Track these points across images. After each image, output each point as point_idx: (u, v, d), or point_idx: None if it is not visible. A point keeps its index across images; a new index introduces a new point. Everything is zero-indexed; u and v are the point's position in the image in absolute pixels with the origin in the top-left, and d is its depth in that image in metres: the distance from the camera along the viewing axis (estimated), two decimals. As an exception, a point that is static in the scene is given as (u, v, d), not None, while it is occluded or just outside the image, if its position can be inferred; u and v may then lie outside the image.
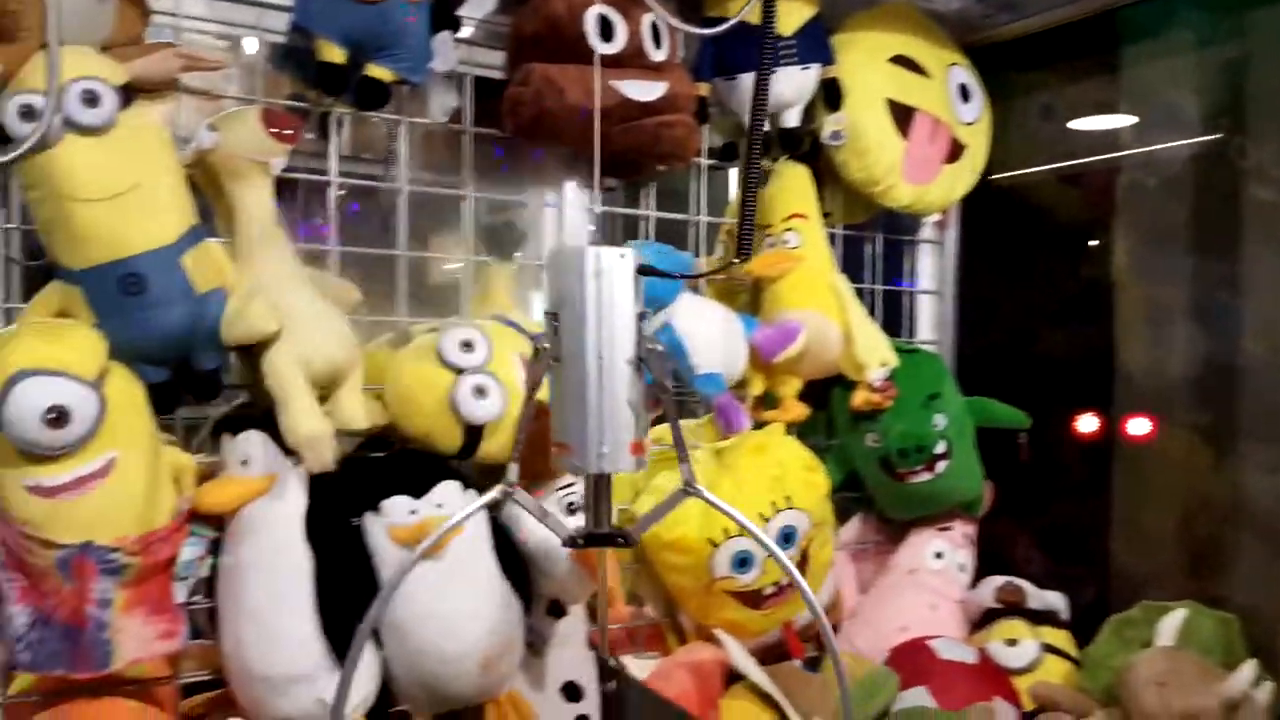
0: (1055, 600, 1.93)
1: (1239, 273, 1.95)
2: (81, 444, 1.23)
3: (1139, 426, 2.13)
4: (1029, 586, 1.92)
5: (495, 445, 1.51)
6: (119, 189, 1.27)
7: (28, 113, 1.21)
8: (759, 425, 1.92)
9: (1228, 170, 1.95)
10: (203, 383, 1.39)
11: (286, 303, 1.39)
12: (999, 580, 1.94)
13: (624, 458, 1.04)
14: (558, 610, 1.61)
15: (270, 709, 1.36)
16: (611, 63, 1.62)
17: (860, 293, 2.03)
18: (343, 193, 1.64)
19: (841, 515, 2.13)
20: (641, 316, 1.03)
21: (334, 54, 1.44)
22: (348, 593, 1.40)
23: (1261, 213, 1.91)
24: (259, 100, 1.50)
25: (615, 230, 2.24)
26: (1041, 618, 1.90)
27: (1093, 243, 2.26)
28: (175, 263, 1.32)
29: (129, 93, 1.30)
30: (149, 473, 1.32)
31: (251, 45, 1.54)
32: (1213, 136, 1.99)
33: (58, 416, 1.19)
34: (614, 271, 1.01)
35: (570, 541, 1.09)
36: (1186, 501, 2.08)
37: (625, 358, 1.01)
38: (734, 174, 2.11)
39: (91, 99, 1.24)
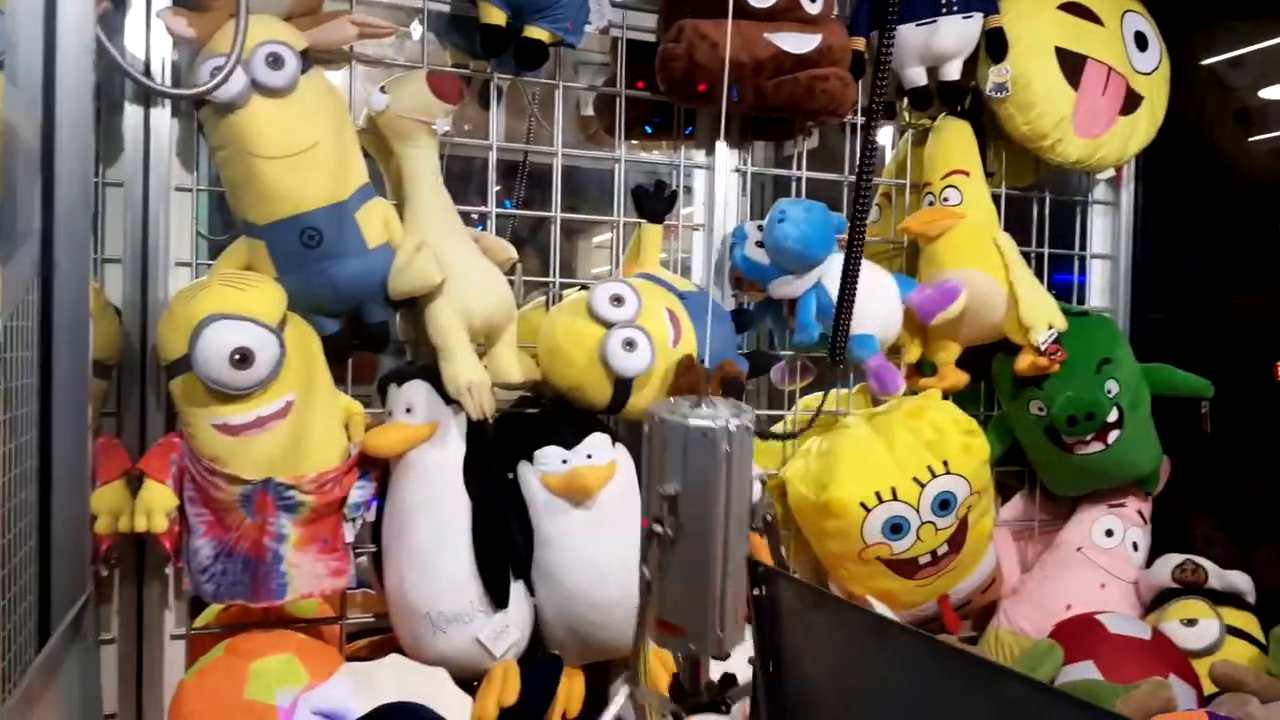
0: (1239, 581, 1.80)
1: None
2: (263, 385, 1.31)
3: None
4: (1210, 565, 1.79)
5: (644, 398, 1.52)
6: (299, 147, 1.35)
7: (218, 73, 1.30)
8: (914, 393, 1.86)
9: None
10: (372, 334, 1.47)
11: (449, 259, 1.45)
12: (1177, 558, 1.82)
13: (736, 634, 0.90)
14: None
15: (429, 646, 1.42)
16: (765, 16, 1.61)
17: (1026, 257, 1.94)
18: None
19: (1003, 493, 2.05)
20: (761, 482, 0.93)
21: (495, 15, 1.48)
22: (504, 536, 1.44)
23: None
24: (424, 61, 1.55)
25: (764, 191, 2.22)
26: (1224, 599, 1.78)
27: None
28: (349, 218, 1.39)
29: (308, 58, 1.38)
30: (323, 416, 1.40)
31: (417, 24, 1.60)
32: None
33: (243, 358, 1.28)
34: (741, 444, 0.89)
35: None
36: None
37: (746, 527, 0.91)
38: (889, 133, 2.05)
39: (276, 61, 1.32)
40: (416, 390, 1.45)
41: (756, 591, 0.79)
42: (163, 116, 1.42)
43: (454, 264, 1.45)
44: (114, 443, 1.37)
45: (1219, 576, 1.78)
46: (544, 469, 1.47)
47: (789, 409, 1.91)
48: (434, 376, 1.45)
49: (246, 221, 1.39)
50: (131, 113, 1.41)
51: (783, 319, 1.82)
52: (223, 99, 1.30)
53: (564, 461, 1.47)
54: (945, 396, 1.85)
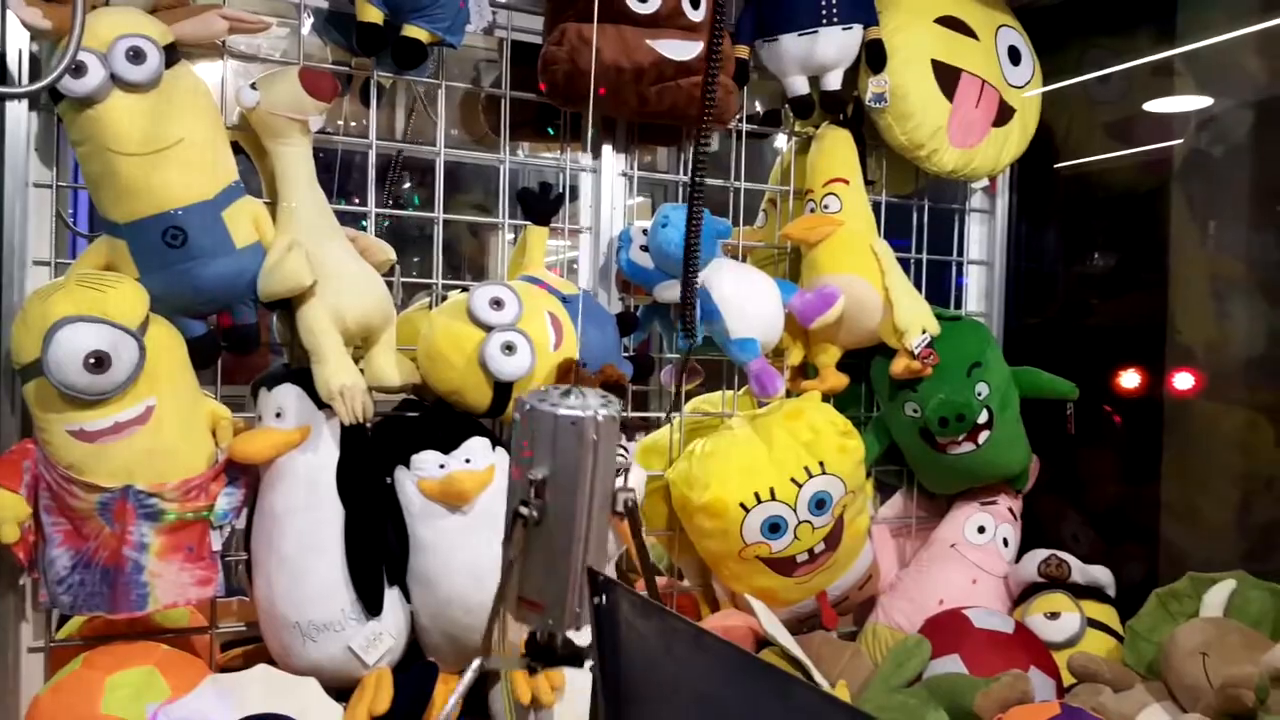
0: (1100, 575, 1.88)
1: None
2: (121, 390, 1.27)
3: (1191, 400, 2.06)
4: (1073, 560, 1.88)
5: (526, 403, 1.52)
6: (163, 144, 1.31)
7: (77, 68, 1.25)
8: (797, 395, 1.91)
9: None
10: (240, 336, 1.43)
11: (322, 259, 1.42)
12: (1043, 554, 1.90)
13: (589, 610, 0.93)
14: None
15: (299, 656, 1.40)
16: (648, 22, 1.62)
17: (905, 263, 2.00)
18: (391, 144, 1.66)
19: (883, 491, 2.11)
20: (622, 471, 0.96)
21: (372, 13, 1.46)
22: (378, 543, 1.43)
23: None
24: (300, 56, 1.52)
25: (665, 195, 2.24)
26: (1086, 592, 1.86)
27: (1150, 211, 2.19)
28: (216, 217, 1.35)
29: (174, 52, 1.34)
30: (187, 421, 1.36)
31: (294, 14, 1.57)
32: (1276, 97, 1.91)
33: (98, 361, 1.23)
34: (608, 433, 0.92)
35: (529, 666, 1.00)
36: (1240, 478, 2.01)
37: (607, 511, 0.94)
38: (780, 140, 2.09)
39: (137, 55, 1.28)
40: (287, 394, 1.42)
41: (596, 600, 0.81)
42: (19, 111, 1.37)
43: (328, 264, 1.43)
44: (-38, 450, 1.31)
45: (1082, 571, 1.86)
46: (420, 474, 1.46)
47: (678, 409, 1.93)
48: (306, 380, 1.42)
49: (108, 220, 1.34)
50: (-16, 105, 1.36)
51: (670, 322, 1.84)
52: (80, 93, 1.26)
53: (441, 466, 1.46)
54: (826, 398, 1.90)
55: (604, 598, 0.80)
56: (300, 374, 1.44)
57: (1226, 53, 2.02)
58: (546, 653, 0.96)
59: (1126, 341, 2.18)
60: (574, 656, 0.95)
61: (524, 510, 0.93)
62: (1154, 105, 2.16)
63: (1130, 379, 2.12)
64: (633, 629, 0.74)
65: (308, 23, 1.59)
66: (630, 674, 0.74)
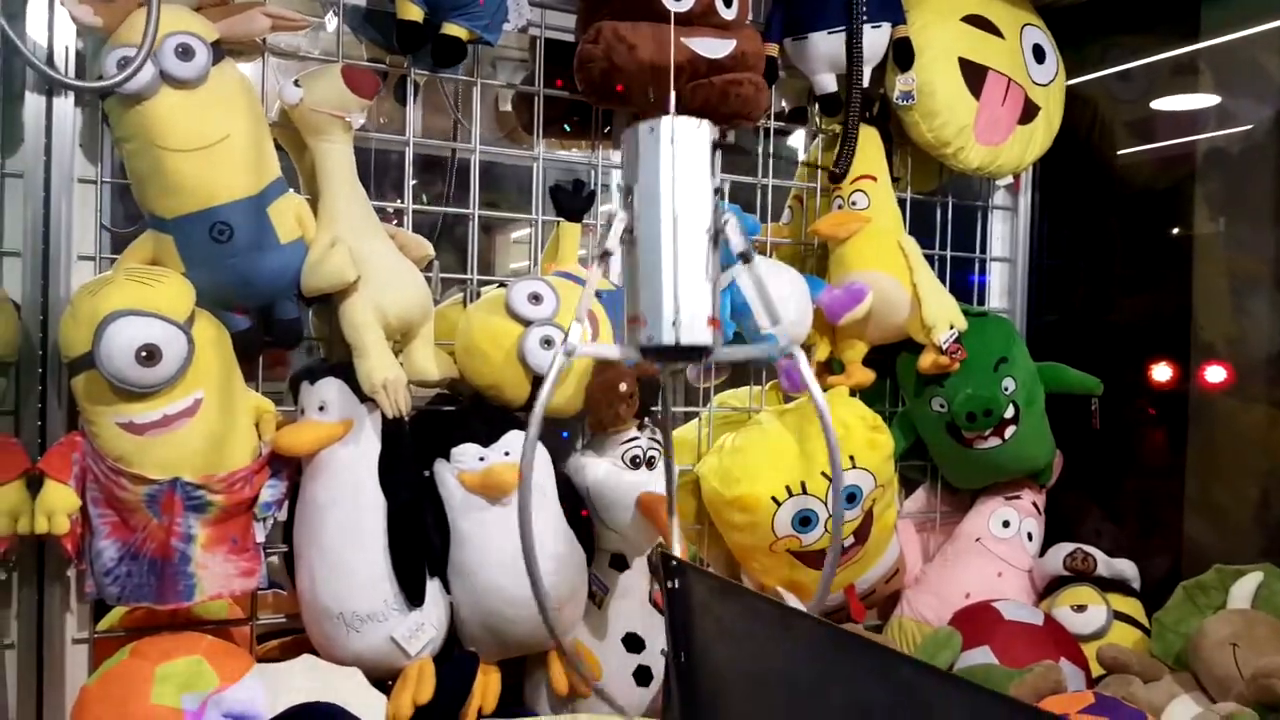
0: (1125, 568, 1.90)
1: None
2: (170, 383, 1.28)
3: (1214, 395, 2.08)
4: (1098, 554, 1.89)
5: (562, 396, 1.54)
6: (209, 140, 1.32)
7: (125, 64, 1.26)
8: (823, 390, 1.92)
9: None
10: (284, 331, 1.45)
11: (364, 255, 1.44)
12: (1068, 547, 1.91)
13: (700, 329, 0.99)
14: (620, 563, 1.63)
15: (341, 646, 1.41)
16: (682, 20, 1.63)
17: (929, 260, 2.02)
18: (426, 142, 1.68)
19: (907, 486, 2.13)
20: (717, 192, 1.00)
21: (412, 11, 1.48)
22: (419, 534, 1.45)
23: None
24: (339, 54, 1.54)
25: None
26: (1111, 585, 1.88)
27: (1172, 208, 2.21)
28: (261, 213, 1.37)
29: (219, 49, 1.35)
30: (233, 414, 1.38)
31: (332, 15, 1.58)
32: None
33: (149, 355, 1.25)
34: (690, 140, 0.97)
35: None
36: (1263, 473, 2.03)
37: (702, 228, 0.98)
38: (800, 136, 2.10)
39: (185, 52, 1.30)
40: (330, 387, 1.44)
41: (669, 584, 0.82)
42: (65, 106, 1.38)
43: (369, 260, 1.45)
44: (12, 442, 1.33)
45: (1107, 565, 1.88)
46: (460, 466, 1.47)
47: (704, 404, 1.95)
48: (348, 374, 1.44)
49: (154, 215, 1.36)
50: (33, 102, 1.37)
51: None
52: (130, 90, 1.27)
53: (481, 459, 1.47)
54: (853, 393, 1.92)
55: (676, 581, 0.81)
56: (341, 368, 1.45)
57: (1248, 50, 2.03)
58: (660, 351, 0.98)
59: (1149, 338, 2.20)
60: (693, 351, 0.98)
61: (619, 219, 0.98)
62: (1176, 103, 2.18)
63: (1153, 374, 2.13)
64: (709, 612, 0.76)
65: (334, 23, 1.60)
66: (709, 660, 0.76)
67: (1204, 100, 2.15)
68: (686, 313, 0.97)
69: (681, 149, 0.96)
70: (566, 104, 1.77)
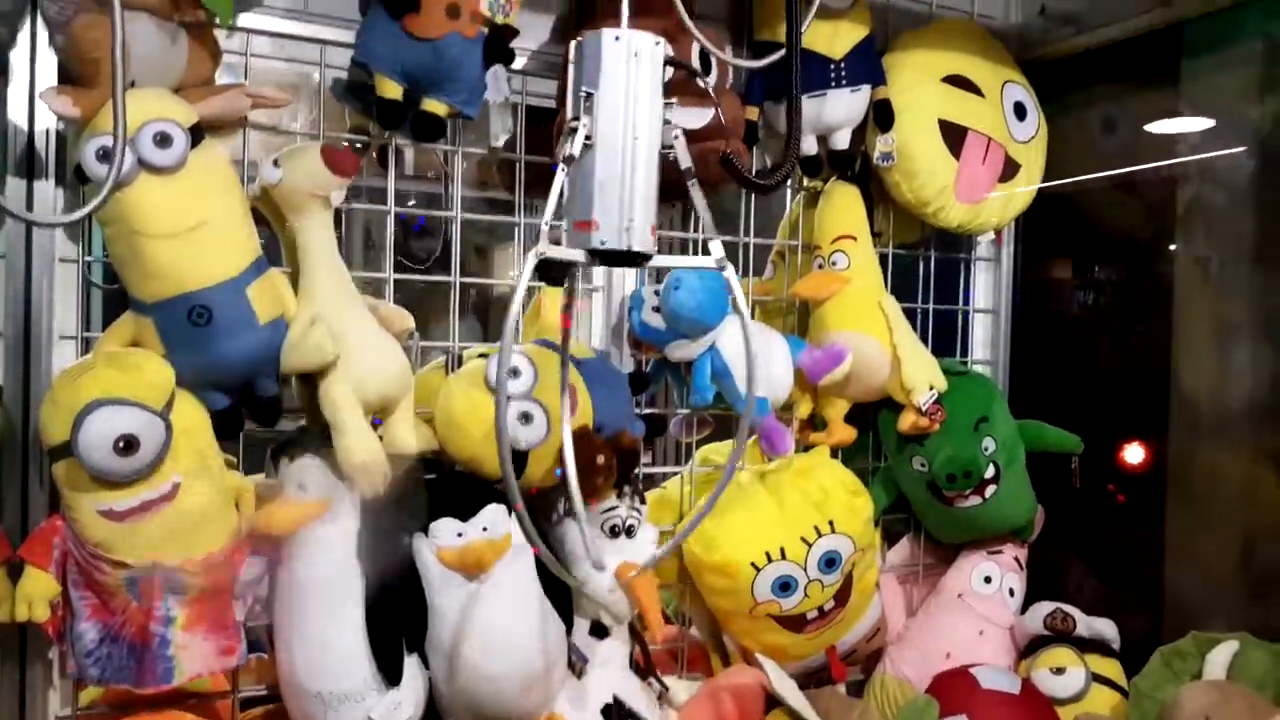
0: (1105, 628, 1.91)
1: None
2: (149, 470, 1.29)
3: (1194, 446, 2.10)
4: (1078, 614, 1.90)
5: (539, 469, 1.55)
6: (188, 225, 1.33)
7: (104, 155, 1.27)
8: (806, 447, 1.93)
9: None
10: (264, 408, 1.46)
11: (344, 331, 1.44)
12: (1048, 607, 1.92)
13: (647, 237, 1.06)
14: (600, 631, 1.64)
15: (322, 724, 1.42)
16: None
17: (912, 312, 2.03)
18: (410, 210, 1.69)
19: (890, 536, 2.14)
20: (667, 106, 1.09)
21: (392, 89, 1.49)
22: (398, 613, 1.46)
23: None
24: (321, 135, 1.55)
25: (671, 249, 2.26)
26: (1091, 646, 1.89)
27: (1153, 257, 2.22)
28: (240, 295, 1.38)
29: (199, 132, 1.36)
30: (212, 496, 1.38)
31: (315, 78, 1.59)
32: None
33: (127, 445, 1.26)
34: (650, 56, 1.05)
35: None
36: (1245, 523, 2.04)
37: (655, 142, 1.06)
38: (787, 195, 2.11)
39: (164, 140, 1.30)
40: (308, 466, 1.45)
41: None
42: (46, 188, 1.39)
43: (349, 337, 1.45)
44: (-8, 527, 1.34)
45: (1086, 625, 1.89)
46: (438, 542, 1.48)
47: (687, 461, 1.96)
48: (326, 450, 1.45)
49: (134, 298, 1.37)
50: (14, 184, 1.38)
51: (680, 375, 1.86)
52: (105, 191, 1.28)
53: (459, 535, 1.48)
54: (835, 451, 1.93)
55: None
56: (320, 443, 1.46)
57: (1230, 101, 2.05)
58: (609, 256, 1.07)
59: (1130, 387, 2.22)
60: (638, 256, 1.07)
61: (575, 124, 1.04)
62: (1157, 153, 2.19)
63: (1133, 425, 2.15)
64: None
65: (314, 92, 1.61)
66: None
67: (1186, 149, 2.16)
68: (639, 220, 1.05)
69: (645, 64, 1.04)
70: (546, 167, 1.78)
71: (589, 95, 1.05)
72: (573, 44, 1.12)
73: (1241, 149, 2.04)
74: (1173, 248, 2.18)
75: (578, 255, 1.13)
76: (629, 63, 1.05)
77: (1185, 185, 2.15)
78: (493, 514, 1.51)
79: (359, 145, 1.58)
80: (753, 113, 1.81)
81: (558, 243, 1.11)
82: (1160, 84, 2.14)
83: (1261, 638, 1.71)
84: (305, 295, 1.46)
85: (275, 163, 1.44)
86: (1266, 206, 2.01)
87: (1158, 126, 2.18)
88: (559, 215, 1.10)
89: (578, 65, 1.09)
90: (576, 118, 1.06)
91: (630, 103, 1.05)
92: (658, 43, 1.06)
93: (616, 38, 1.04)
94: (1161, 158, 2.17)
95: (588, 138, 1.05)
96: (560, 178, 1.08)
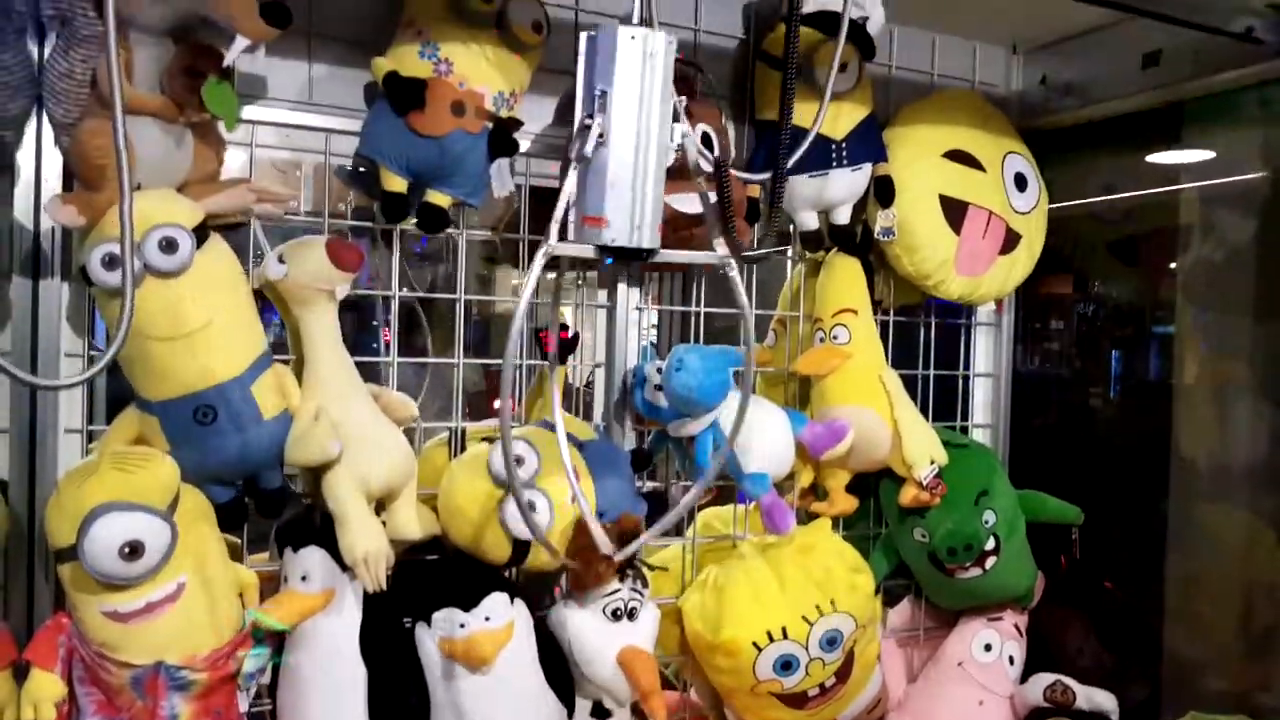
0: (1104, 700, 1.91)
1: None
2: (154, 572, 1.30)
3: (1194, 506, 2.10)
4: (1077, 686, 1.91)
5: (542, 555, 1.55)
6: (193, 327, 1.34)
7: (110, 261, 1.28)
8: (811, 516, 1.94)
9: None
10: (268, 500, 1.47)
11: (347, 423, 1.46)
12: (1048, 679, 1.93)
13: (654, 234, 1.10)
14: (602, 713, 1.65)
15: (326, 814, 1.43)
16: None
17: (913, 378, 2.04)
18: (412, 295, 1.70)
19: (891, 599, 2.14)
20: (676, 104, 1.11)
21: (396, 183, 1.50)
22: (400, 704, 1.46)
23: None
24: (325, 221, 1.56)
25: (672, 324, 2.28)
26: (1091, 718, 1.89)
27: (1153, 320, 2.23)
28: (245, 392, 1.39)
29: (204, 231, 1.37)
30: (216, 593, 1.39)
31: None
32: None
33: (132, 550, 1.27)
34: (661, 55, 1.06)
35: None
36: (1245, 583, 2.04)
37: (665, 140, 1.07)
38: (788, 265, 2.12)
39: (169, 245, 1.31)
40: (311, 557, 1.46)
41: None
42: (52, 285, 1.41)
43: (352, 428, 1.46)
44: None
45: (1086, 697, 1.89)
46: (440, 633, 1.49)
47: (689, 524, 1.96)
48: (330, 540, 1.46)
49: (139, 396, 1.38)
50: (20, 283, 1.39)
51: (683, 448, 1.87)
52: (113, 285, 1.29)
53: (461, 625, 1.49)
54: (836, 521, 1.94)
55: None
56: (324, 533, 1.47)
57: (1230, 162, 2.06)
58: (619, 252, 1.11)
59: (1130, 448, 2.22)
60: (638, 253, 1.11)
61: (589, 121, 1.07)
62: (1159, 216, 2.20)
63: (1133, 486, 2.16)
64: None
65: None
66: None
67: (1186, 214, 2.17)
68: (649, 218, 1.08)
69: (659, 63, 1.06)
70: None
71: (603, 93, 1.06)
72: (584, 37, 1.12)
73: (1244, 211, 2.05)
74: (1174, 308, 2.19)
75: (587, 251, 1.14)
76: (645, 61, 1.05)
77: (1186, 248, 2.16)
78: (495, 603, 1.52)
79: (363, 234, 1.59)
80: (754, 190, 1.82)
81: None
82: (1162, 146, 2.15)
83: (1261, 702, 1.72)
84: (309, 386, 1.47)
85: (280, 258, 1.45)
86: (1266, 268, 2.02)
87: (1157, 190, 2.18)
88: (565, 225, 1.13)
89: (590, 61, 1.09)
90: (590, 115, 1.07)
91: (645, 102, 1.05)
92: (670, 41, 1.06)
93: (632, 36, 1.04)
94: (1161, 221, 2.18)
95: (600, 135, 1.06)
96: (571, 176, 1.09)
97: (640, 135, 1.06)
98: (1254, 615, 2.04)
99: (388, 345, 1.66)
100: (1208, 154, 2.08)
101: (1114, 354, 2.28)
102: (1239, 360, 2.09)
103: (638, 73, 1.06)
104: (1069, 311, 2.30)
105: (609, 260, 1.37)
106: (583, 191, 1.11)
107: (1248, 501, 2.05)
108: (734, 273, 1.17)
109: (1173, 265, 2.17)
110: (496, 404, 2.30)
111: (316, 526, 1.50)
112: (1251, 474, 2.05)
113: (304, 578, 1.45)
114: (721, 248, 1.19)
